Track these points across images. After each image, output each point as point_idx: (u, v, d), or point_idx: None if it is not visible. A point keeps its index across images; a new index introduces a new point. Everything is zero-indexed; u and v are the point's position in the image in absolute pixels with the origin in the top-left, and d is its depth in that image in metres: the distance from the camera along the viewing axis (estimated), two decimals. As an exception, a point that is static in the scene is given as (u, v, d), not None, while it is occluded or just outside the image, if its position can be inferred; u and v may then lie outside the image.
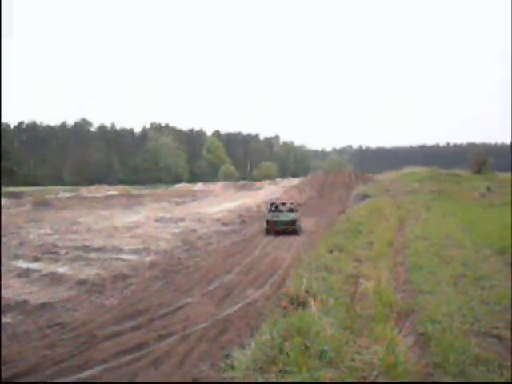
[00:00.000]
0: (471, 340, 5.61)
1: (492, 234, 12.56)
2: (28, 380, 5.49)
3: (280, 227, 17.89)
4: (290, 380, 4.39)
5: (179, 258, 13.12)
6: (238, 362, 4.97)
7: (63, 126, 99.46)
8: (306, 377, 4.39)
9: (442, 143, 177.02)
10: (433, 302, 7.17)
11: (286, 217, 18.59)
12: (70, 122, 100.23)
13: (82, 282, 10.38)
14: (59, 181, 72.00)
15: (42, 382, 5.35)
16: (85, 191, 40.76)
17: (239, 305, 8.48)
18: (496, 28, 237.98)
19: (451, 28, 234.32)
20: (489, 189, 30.02)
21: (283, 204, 20.96)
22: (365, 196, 30.83)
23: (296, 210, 19.93)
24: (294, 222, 18.14)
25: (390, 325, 5.82)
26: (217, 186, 51.61)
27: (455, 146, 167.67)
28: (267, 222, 18.40)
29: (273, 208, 20.17)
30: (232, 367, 5.00)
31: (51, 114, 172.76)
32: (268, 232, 17.88)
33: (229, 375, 4.84)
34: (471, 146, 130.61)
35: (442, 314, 6.51)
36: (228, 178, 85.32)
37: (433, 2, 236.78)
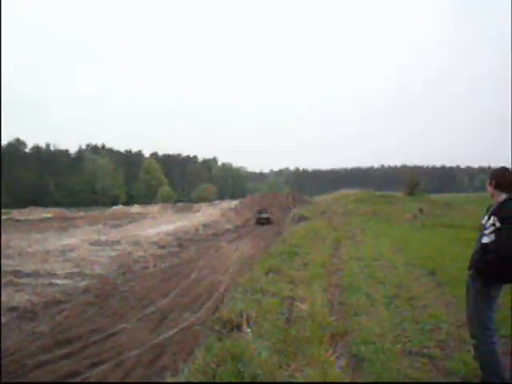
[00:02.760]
0: (403, 360, 5.72)
1: (423, 254, 12.91)
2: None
3: (262, 220, 35.43)
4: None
5: (114, 283, 12.87)
6: (172, 389, 4.91)
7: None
8: (239, 402, 4.37)
9: (377, 165, 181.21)
10: (366, 323, 7.26)
11: (265, 215, 36.78)
12: (3, 142, 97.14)
13: (12, 309, 10.04)
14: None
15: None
16: (17, 214, 39.56)
17: (175, 329, 8.38)
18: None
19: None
20: (421, 210, 30.91)
21: (262, 210, 38.31)
22: (302, 218, 31.18)
23: (268, 212, 38.34)
24: (268, 218, 36.09)
25: (324, 347, 5.87)
26: (154, 208, 51.18)
27: (389, 168, 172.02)
28: (256, 218, 36.55)
29: (258, 211, 38.48)
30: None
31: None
32: (257, 222, 35.34)
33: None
34: (404, 169, 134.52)
35: (375, 335, 6.59)
36: (166, 200, 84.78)
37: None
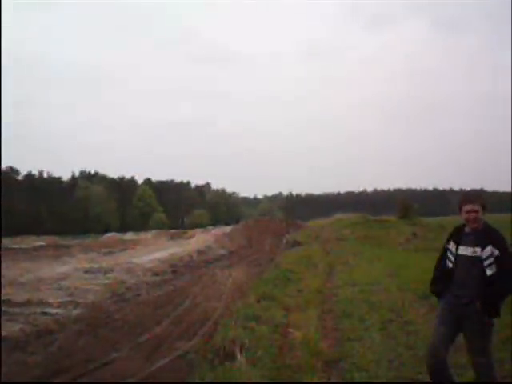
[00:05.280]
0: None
1: (416, 278, 12.92)
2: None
3: None
4: None
5: (107, 311, 12.80)
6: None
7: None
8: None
9: (370, 189, 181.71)
10: (360, 349, 7.26)
11: None
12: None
13: (4, 339, 9.92)
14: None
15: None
16: (9, 242, 39.29)
17: (168, 358, 8.33)
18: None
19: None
20: (414, 234, 30.95)
21: None
22: (295, 243, 31.13)
23: None
24: None
25: (318, 375, 5.87)
26: (148, 235, 50.97)
27: (382, 191, 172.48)
28: None
29: None
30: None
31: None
32: None
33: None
34: (397, 192, 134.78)
35: (368, 361, 6.60)
36: (159, 226, 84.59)
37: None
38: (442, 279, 4.87)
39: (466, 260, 4.62)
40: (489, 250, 4.45)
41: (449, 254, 4.83)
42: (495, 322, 4.59)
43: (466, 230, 4.76)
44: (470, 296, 4.53)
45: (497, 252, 4.42)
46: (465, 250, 4.66)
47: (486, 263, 4.46)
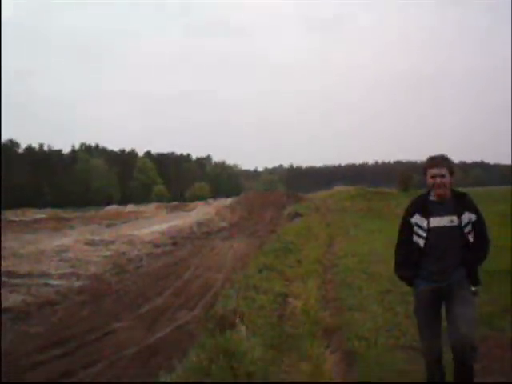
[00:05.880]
0: (396, 354, 5.77)
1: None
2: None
3: None
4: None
5: (109, 282, 12.87)
6: (165, 387, 4.94)
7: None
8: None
9: (371, 161, 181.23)
10: (360, 319, 7.31)
11: None
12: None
13: (6, 310, 9.99)
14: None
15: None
16: (10, 215, 39.34)
17: (169, 328, 8.40)
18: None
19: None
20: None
21: None
22: (296, 215, 31.19)
23: None
24: None
25: (318, 343, 5.91)
26: (149, 208, 51.03)
27: (383, 164, 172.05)
28: None
29: None
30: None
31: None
32: None
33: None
34: (398, 165, 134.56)
35: (368, 330, 6.65)
36: (160, 199, 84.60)
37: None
38: (410, 261, 4.26)
39: (443, 231, 4.10)
40: (466, 216, 4.08)
41: (417, 229, 4.20)
42: (479, 290, 4.20)
43: (432, 198, 4.23)
44: (451, 267, 4.07)
45: (474, 217, 4.10)
46: (439, 221, 4.12)
47: (466, 230, 4.08)
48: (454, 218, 4.08)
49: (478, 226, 4.12)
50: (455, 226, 4.07)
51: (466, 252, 4.07)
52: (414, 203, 4.36)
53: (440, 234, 4.09)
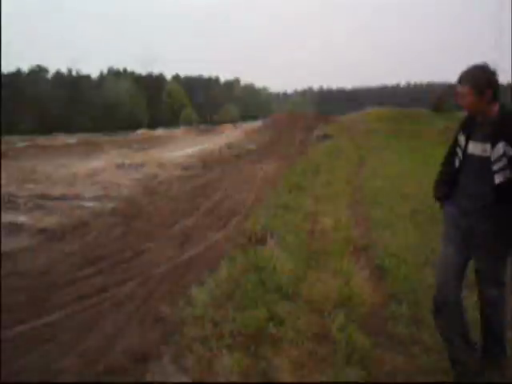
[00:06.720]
0: (425, 270, 5.77)
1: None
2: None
3: None
4: (246, 314, 4.45)
5: (140, 204, 13.02)
6: (196, 300, 5.02)
7: (17, 74, 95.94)
8: (262, 311, 4.46)
9: (403, 83, 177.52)
10: (389, 237, 7.31)
11: None
12: (25, 69, 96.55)
13: (42, 231, 10.21)
14: (15, 131, 70.06)
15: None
16: (42, 140, 39.73)
17: (200, 247, 8.50)
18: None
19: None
20: (447, 127, 30.38)
21: None
22: (326, 137, 30.90)
23: None
24: None
25: (347, 259, 5.93)
26: (178, 131, 51.01)
27: (415, 85, 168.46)
28: None
29: None
30: (190, 304, 5.04)
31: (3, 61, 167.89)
32: None
33: (187, 313, 4.88)
34: (430, 87, 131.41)
35: (398, 248, 6.65)
36: (189, 122, 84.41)
37: None
38: (447, 181, 3.72)
39: (474, 161, 3.43)
40: (500, 147, 3.20)
41: (457, 150, 3.60)
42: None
43: (479, 118, 3.47)
44: (477, 212, 3.39)
45: (511, 151, 3.17)
46: (473, 148, 3.44)
47: (494, 167, 3.24)
48: (487, 146, 3.31)
49: None
50: (486, 158, 3.32)
51: (495, 197, 3.28)
52: (463, 120, 3.71)
53: (470, 164, 3.48)
